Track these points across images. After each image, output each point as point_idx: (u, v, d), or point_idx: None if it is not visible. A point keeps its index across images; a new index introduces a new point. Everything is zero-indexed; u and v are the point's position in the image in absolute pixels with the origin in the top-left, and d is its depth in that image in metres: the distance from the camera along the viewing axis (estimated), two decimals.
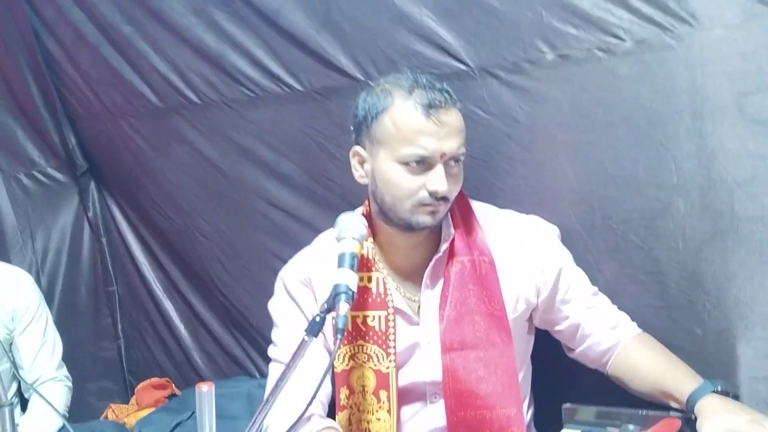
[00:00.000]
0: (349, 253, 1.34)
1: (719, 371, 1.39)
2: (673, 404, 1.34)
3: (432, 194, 1.36)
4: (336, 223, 1.42)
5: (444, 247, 1.45)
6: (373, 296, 1.44)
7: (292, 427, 1.25)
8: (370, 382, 1.43)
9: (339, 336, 1.24)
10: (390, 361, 1.42)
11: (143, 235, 2.45)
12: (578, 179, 1.53)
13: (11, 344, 2.05)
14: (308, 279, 1.50)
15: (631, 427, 1.33)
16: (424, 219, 1.38)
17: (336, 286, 1.28)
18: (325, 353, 1.47)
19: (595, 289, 1.51)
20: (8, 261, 2.26)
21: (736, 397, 1.30)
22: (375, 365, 1.43)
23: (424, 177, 1.36)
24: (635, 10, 1.38)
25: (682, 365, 1.38)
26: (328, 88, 1.63)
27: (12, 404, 1.78)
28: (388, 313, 1.43)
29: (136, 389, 2.46)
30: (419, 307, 1.46)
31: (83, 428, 1.88)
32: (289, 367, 1.23)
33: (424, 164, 1.35)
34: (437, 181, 1.35)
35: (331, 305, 1.27)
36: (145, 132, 2.20)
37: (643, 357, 1.41)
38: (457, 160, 1.39)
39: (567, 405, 1.40)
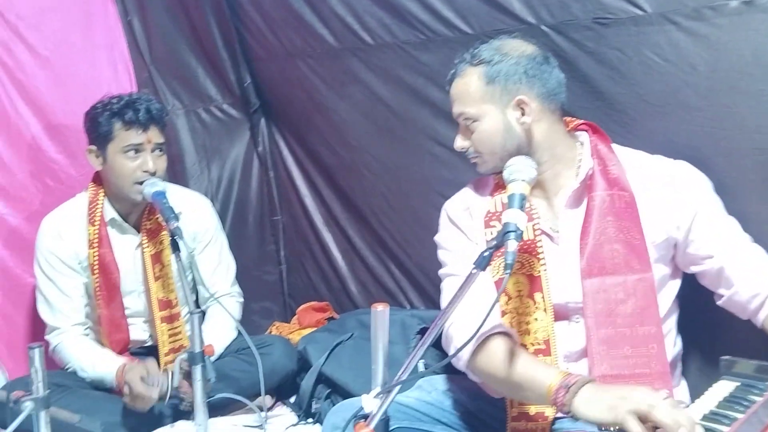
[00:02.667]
0: (519, 194, 1.40)
1: None
2: None
3: None
4: (506, 166, 1.48)
5: (581, 177, 1.52)
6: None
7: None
8: (525, 286, 1.53)
9: (508, 270, 1.31)
10: (541, 265, 1.52)
11: (308, 170, 2.60)
12: (759, 129, 1.50)
13: (192, 262, 2.26)
14: (468, 207, 1.63)
15: None
16: None
17: (506, 225, 1.35)
18: (486, 274, 1.53)
19: (748, 237, 1.49)
20: (188, 187, 2.47)
21: None
22: (528, 270, 1.53)
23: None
24: None
25: None
26: (500, 31, 1.66)
27: (200, 312, 2.00)
28: (534, 224, 1.52)
29: (298, 310, 2.67)
30: (558, 234, 1.54)
31: (255, 340, 2.06)
32: (457, 296, 1.31)
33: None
34: None
35: (500, 242, 1.34)
36: (321, 71, 2.32)
37: None
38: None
39: (725, 357, 1.40)
